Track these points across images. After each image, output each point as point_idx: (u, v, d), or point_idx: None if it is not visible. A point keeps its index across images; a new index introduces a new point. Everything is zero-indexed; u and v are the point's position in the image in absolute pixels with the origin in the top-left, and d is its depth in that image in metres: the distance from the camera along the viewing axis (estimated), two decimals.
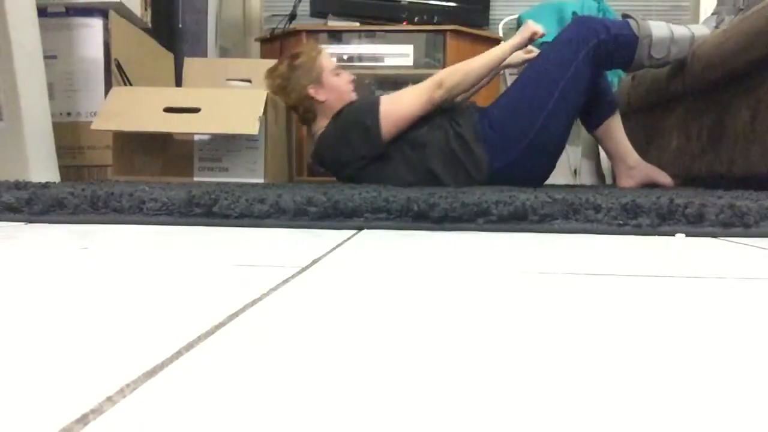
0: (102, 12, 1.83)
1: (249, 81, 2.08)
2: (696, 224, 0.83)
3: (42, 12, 1.66)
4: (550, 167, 1.63)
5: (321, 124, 1.65)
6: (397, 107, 1.55)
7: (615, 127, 1.69)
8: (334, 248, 0.64)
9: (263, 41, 2.73)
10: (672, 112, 1.94)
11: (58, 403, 0.21)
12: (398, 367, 0.26)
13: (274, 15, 3.02)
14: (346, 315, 0.35)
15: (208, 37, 2.84)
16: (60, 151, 1.62)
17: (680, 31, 1.60)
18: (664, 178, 1.69)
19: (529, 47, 1.66)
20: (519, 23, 2.71)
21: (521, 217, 0.85)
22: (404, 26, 2.59)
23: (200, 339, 0.30)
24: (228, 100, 1.69)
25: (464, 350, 0.29)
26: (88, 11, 1.82)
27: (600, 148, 2.60)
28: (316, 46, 1.72)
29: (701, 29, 1.63)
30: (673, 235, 0.80)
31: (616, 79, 2.56)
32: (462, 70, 1.55)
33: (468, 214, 0.85)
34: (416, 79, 2.59)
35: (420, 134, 1.58)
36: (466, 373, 0.25)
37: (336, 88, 1.65)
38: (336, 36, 2.61)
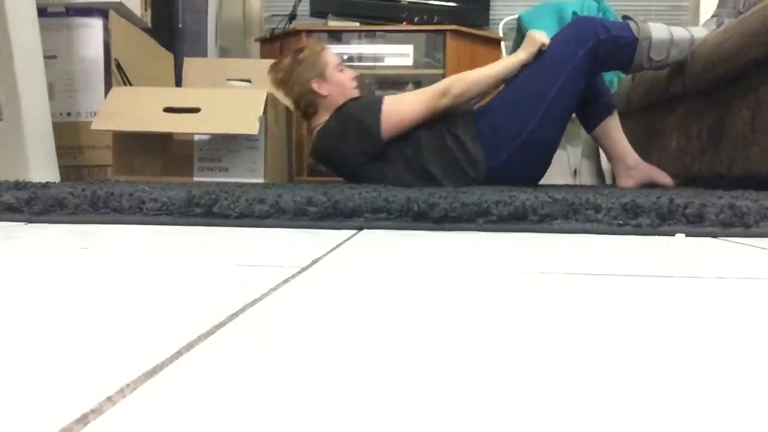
0: (102, 12, 1.83)
1: (249, 81, 2.08)
2: (696, 224, 0.83)
3: (42, 12, 1.66)
4: (545, 165, 1.64)
5: (322, 118, 1.65)
6: (400, 109, 1.55)
7: (613, 127, 1.69)
8: (334, 248, 0.64)
9: (263, 41, 2.73)
10: (672, 112, 1.94)
11: (58, 403, 0.21)
12: (398, 368, 0.26)
13: (274, 15, 3.02)
14: (346, 315, 0.35)
15: (208, 37, 2.84)
16: (60, 151, 1.62)
17: (680, 33, 1.60)
18: (664, 178, 1.69)
19: None
20: (519, 23, 2.71)
21: (521, 217, 0.85)
22: (404, 26, 2.59)
23: (200, 339, 0.30)
24: (228, 100, 1.69)
25: (464, 351, 0.29)
26: (88, 11, 1.82)
27: (599, 148, 2.60)
28: (321, 43, 1.73)
29: (700, 32, 1.63)
30: (673, 235, 0.80)
31: (615, 79, 2.56)
32: (469, 79, 1.55)
33: (468, 214, 0.85)
34: (416, 79, 2.60)
35: (417, 135, 1.58)
36: (466, 374, 0.25)
37: (339, 84, 1.66)
38: (336, 36, 2.61)
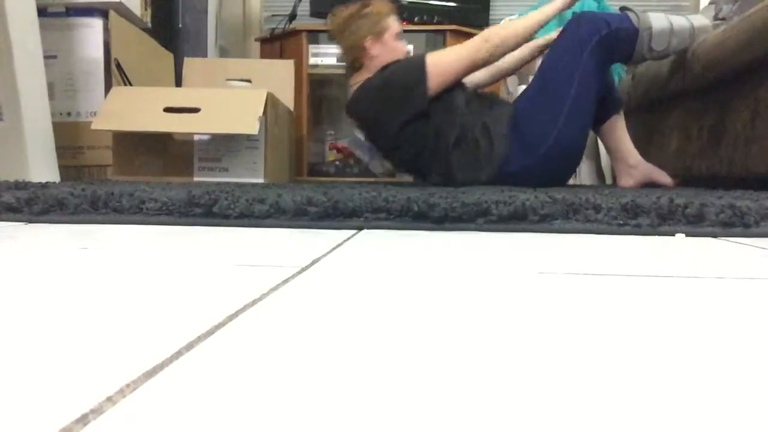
0: (102, 12, 1.83)
1: (249, 81, 2.08)
2: (696, 224, 0.83)
3: (42, 12, 1.66)
4: (570, 172, 1.64)
5: (363, 76, 1.66)
6: (442, 61, 1.55)
7: (618, 125, 1.69)
8: (334, 248, 0.64)
9: (263, 41, 2.73)
10: (672, 112, 1.94)
11: (58, 403, 0.21)
12: (398, 368, 0.26)
13: (274, 15, 3.02)
14: (346, 315, 0.35)
15: (208, 37, 2.84)
16: (60, 151, 1.62)
17: (679, 22, 1.59)
18: (664, 178, 1.69)
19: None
20: None
21: (521, 217, 0.85)
22: (404, 26, 2.59)
23: (200, 339, 0.30)
24: (228, 100, 1.69)
25: (465, 351, 0.29)
26: (88, 11, 1.82)
27: (600, 147, 2.60)
28: (390, 4, 1.71)
29: (700, 20, 1.62)
30: (673, 235, 0.80)
31: (616, 78, 2.56)
32: (509, 27, 1.55)
33: (468, 214, 0.85)
34: None
35: (455, 114, 1.57)
36: (466, 374, 0.25)
37: (392, 50, 1.66)
38: None
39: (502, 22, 2.92)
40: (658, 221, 0.84)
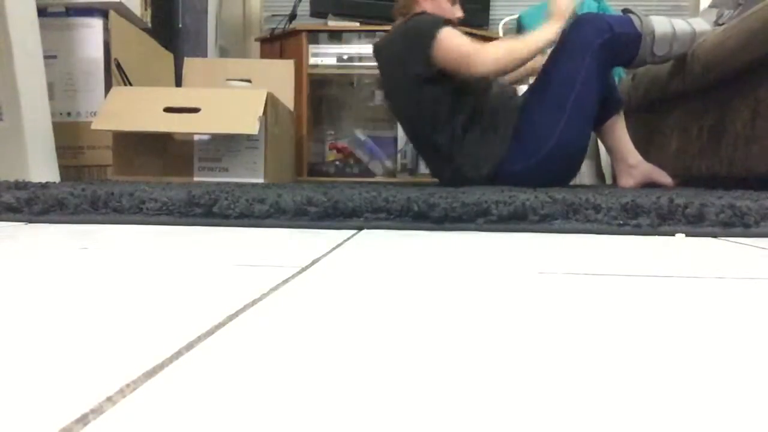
0: (102, 12, 1.83)
1: (249, 81, 2.08)
2: (696, 224, 0.83)
3: (42, 12, 1.66)
4: (572, 174, 1.64)
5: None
6: (455, 40, 1.51)
7: (618, 125, 1.69)
8: (334, 248, 0.64)
9: (263, 41, 2.73)
10: (672, 112, 1.94)
11: (58, 403, 0.21)
12: (398, 368, 0.26)
13: (274, 15, 3.02)
14: (346, 315, 0.35)
15: (208, 37, 2.84)
16: (60, 151, 1.62)
17: (681, 26, 1.58)
18: (664, 178, 1.69)
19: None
20: (519, 23, 2.71)
21: (521, 217, 0.85)
22: None
23: (200, 339, 0.30)
24: (228, 100, 1.69)
25: (465, 351, 0.29)
26: (88, 11, 1.82)
27: (600, 147, 2.60)
28: None
29: (702, 24, 1.62)
30: (673, 235, 0.80)
31: (616, 78, 2.56)
32: (515, 53, 1.48)
33: (468, 214, 0.85)
34: None
35: (475, 86, 1.57)
36: (467, 374, 0.25)
37: (443, 11, 1.65)
38: (336, 36, 2.61)
39: (501, 24, 2.91)
40: (658, 221, 0.84)
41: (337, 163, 2.69)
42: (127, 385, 0.23)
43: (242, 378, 0.24)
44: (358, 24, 2.58)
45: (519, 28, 2.72)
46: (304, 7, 2.67)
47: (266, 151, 1.74)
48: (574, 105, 1.51)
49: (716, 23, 1.66)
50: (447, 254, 0.60)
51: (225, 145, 1.73)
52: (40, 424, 0.20)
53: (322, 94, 2.89)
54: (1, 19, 1.41)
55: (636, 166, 1.68)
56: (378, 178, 2.58)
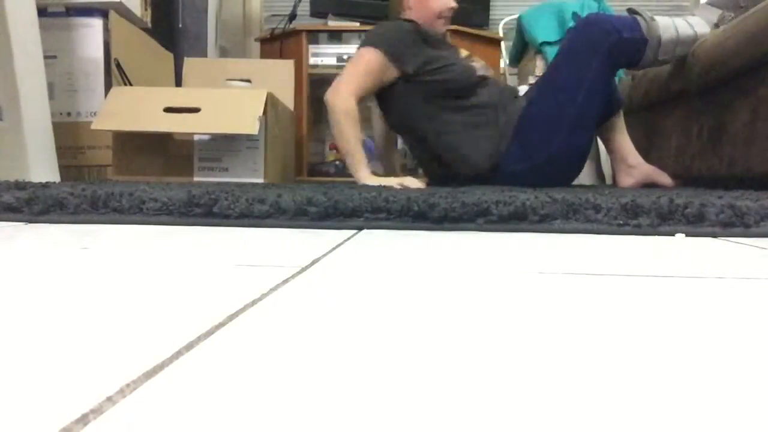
0: (102, 12, 1.83)
1: (249, 81, 2.08)
2: (696, 224, 0.83)
3: (42, 12, 1.66)
4: (574, 176, 1.64)
5: None
6: (351, 66, 1.54)
7: (618, 125, 1.69)
8: (334, 248, 0.64)
9: (263, 41, 2.73)
10: (672, 112, 1.94)
11: (58, 403, 0.21)
12: (398, 368, 0.26)
13: (274, 15, 3.02)
14: (346, 315, 0.35)
15: (208, 37, 2.84)
16: (60, 151, 1.62)
17: (684, 30, 1.57)
18: (664, 178, 1.69)
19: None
20: (519, 23, 2.71)
21: (521, 217, 0.85)
22: None
23: (200, 339, 0.30)
24: (228, 100, 1.69)
25: (465, 351, 0.29)
26: (88, 11, 1.82)
27: (600, 147, 2.60)
28: None
29: (703, 27, 1.61)
30: (673, 235, 0.80)
31: (616, 78, 2.56)
32: (338, 129, 1.48)
33: (468, 214, 0.85)
34: None
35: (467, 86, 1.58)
36: (466, 375, 0.25)
37: (427, 6, 1.65)
38: (336, 36, 2.61)
39: (501, 24, 2.91)
40: (658, 221, 0.84)
41: (337, 163, 2.69)
42: (127, 385, 0.23)
43: (242, 378, 0.24)
44: (358, 24, 2.58)
45: (519, 28, 2.72)
46: (304, 7, 2.67)
47: (266, 151, 1.73)
48: (580, 109, 1.50)
49: (717, 25, 1.65)
50: (447, 254, 0.60)
51: (225, 145, 1.73)
52: (40, 424, 0.20)
53: (322, 94, 2.89)
54: (1, 19, 1.41)
55: (636, 166, 1.68)
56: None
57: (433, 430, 0.20)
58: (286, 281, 0.45)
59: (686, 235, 0.80)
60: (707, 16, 1.63)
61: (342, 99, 1.47)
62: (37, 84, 1.52)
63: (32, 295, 0.40)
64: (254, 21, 3.17)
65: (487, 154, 1.57)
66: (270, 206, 0.87)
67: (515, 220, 0.85)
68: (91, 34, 1.82)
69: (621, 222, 0.84)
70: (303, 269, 0.50)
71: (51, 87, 1.65)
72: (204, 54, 2.80)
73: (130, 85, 1.89)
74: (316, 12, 2.66)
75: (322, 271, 0.50)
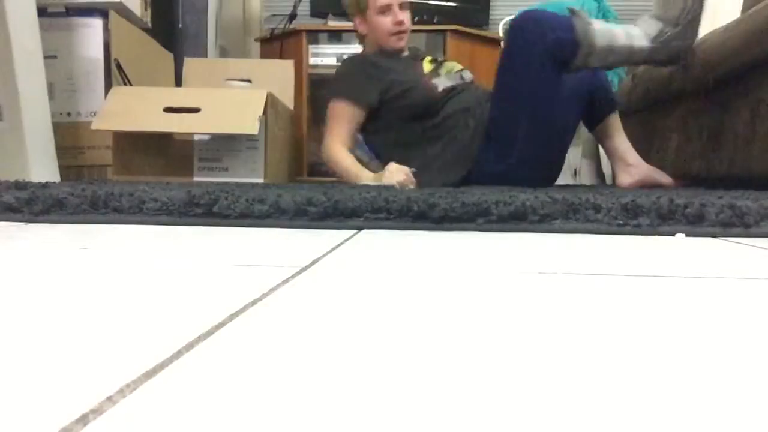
0: (102, 12, 1.82)
1: (249, 81, 2.08)
2: (696, 224, 0.83)
3: (42, 12, 1.66)
4: (553, 175, 1.64)
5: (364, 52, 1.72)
6: (330, 120, 1.62)
7: (614, 125, 1.69)
8: (334, 248, 0.64)
9: (263, 41, 2.73)
10: (672, 112, 1.94)
11: (58, 403, 0.21)
12: (398, 368, 0.26)
13: (274, 15, 3.02)
14: (347, 315, 0.35)
15: (208, 37, 2.84)
16: (60, 151, 1.62)
17: (621, 41, 1.47)
18: (664, 178, 1.69)
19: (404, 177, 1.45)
20: None
21: (521, 217, 0.85)
22: None
23: (200, 339, 0.30)
24: (228, 100, 1.69)
25: (465, 351, 0.29)
26: (88, 11, 1.82)
27: (599, 148, 2.60)
28: None
29: (640, 41, 1.50)
30: (673, 235, 0.80)
31: (616, 78, 2.56)
32: (333, 169, 1.58)
33: (468, 214, 0.85)
34: None
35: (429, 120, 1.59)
36: (466, 375, 0.25)
37: (375, 28, 1.65)
38: (336, 36, 2.61)
39: (501, 24, 2.92)
40: (658, 221, 0.84)
41: None
42: (127, 385, 0.23)
43: (242, 378, 0.24)
44: None
45: None
46: (304, 7, 2.67)
47: (266, 151, 1.73)
48: (532, 116, 1.48)
49: (655, 39, 1.52)
50: (447, 254, 0.60)
51: (225, 145, 1.73)
52: (40, 424, 0.20)
53: (322, 94, 2.89)
54: (1, 19, 1.41)
55: (635, 165, 1.68)
56: None
57: (432, 429, 0.20)
58: (286, 281, 0.45)
59: (686, 235, 0.80)
60: (646, 29, 1.53)
61: (330, 150, 1.60)
62: (37, 84, 1.52)
63: (32, 295, 0.40)
64: (254, 21, 3.17)
65: (459, 165, 1.58)
66: (270, 206, 0.87)
67: (515, 220, 0.85)
68: (91, 34, 1.82)
69: (621, 222, 0.84)
70: (303, 269, 0.50)
71: (51, 87, 1.65)
72: (204, 54, 2.80)
73: (130, 85, 1.89)
74: (316, 12, 2.66)
75: (322, 271, 0.50)
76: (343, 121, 1.61)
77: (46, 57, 1.57)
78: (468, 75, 1.75)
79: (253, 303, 0.38)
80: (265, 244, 0.67)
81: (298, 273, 0.49)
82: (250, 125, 1.62)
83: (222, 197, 0.90)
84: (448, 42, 2.53)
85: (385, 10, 1.65)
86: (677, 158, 1.88)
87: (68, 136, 1.78)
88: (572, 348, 0.29)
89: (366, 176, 1.50)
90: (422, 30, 2.58)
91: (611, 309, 0.38)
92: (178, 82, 2.31)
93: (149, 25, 2.11)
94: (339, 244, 0.67)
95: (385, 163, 1.50)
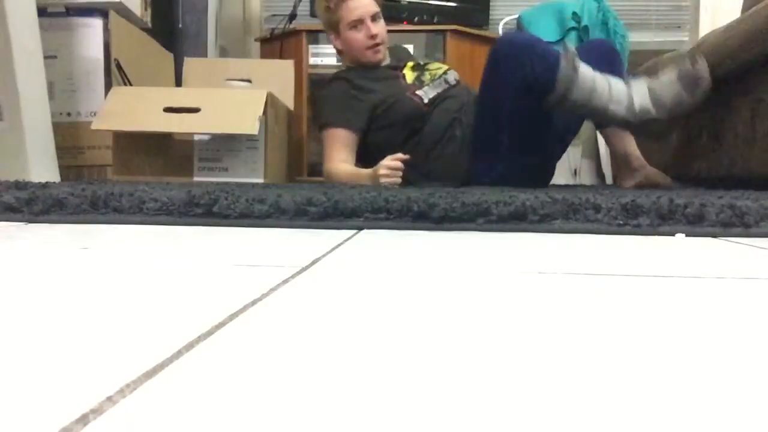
0: (102, 12, 1.82)
1: (249, 81, 2.08)
2: (696, 224, 0.83)
3: (42, 12, 1.66)
4: (545, 180, 1.63)
5: (343, 66, 1.72)
6: (326, 148, 1.63)
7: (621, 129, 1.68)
8: (334, 248, 0.64)
9: (263, 41, 2.73)
10: None
11: (58, 403, 0.21)
12: (398, 367, 0.26)
13: (274, 15, 3.02)
14: (346, 315, 0.35)
15: (208, 37, 2.84)
16: (60, 151, 1.61)
17: (598, 99, 1.38)
18: (666, 181, 1.68)
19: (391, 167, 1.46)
20: (519, 23, 2.71)
21: (521, 217, 0.85)
22: (404, 26, 2.59)
23: (200, 339, 0.30)
24: (228, 100, 1.69)
25: (465, 351, 0.29)
26: (88, 11, 1.82)
27: (600, 147, 2.60)
28: None
29: (618, 105, 1.39)
30: (673, 235, 0.80)
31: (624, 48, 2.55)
32: (334, 177, 1.59)
33: (468, 214, 0.85)
34: None
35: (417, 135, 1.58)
36: (466, 375, 0.25)
37: (349, 43, 1.63)
38: None
39: (501, 24, 2.91)
40: (658, 221, 0.84)
41: None
42: (127, 385, 0.23)
43: (242, 378, 0.24)
44: None
45: (519, 28, 2.72)
46: (304, 7, 2.67)
47: (266, 151, 1.73)
48: (511, 134, 1.47)
49: (636, 115, 1.40)
50: (447, 254, 0.60)
51: (225, 145, 1.73)
52: (40, 424, 0.20)
53: (322, 94, 2.89)
54: (1, 19, 1.41)
55: (638, 169, 1.67)
56: None
57: (433, 428, 0.20)
58: (286, 281, 0.45)
59: (686, 235, 0.80)
60: (635, 95, 1.40)
61: (329, 171, 1.61)
62: (37, 84, 1.52)
63: (32, 295, 0.40)
64: (254, 21, 3.17)
65: (450, 178, 1.57)
66: (270, 206, 0.87)
67: (515, 220, 0.85)
68: (91, 34, 1.82)
69: (621, 222, 0.84)
70: (303, 269, 0.50)
71: (51, 87, 1.65)
72: (204, 54, 2.80)
73: (130, 85, 1.89)
74: (317, 12, 2.65)
75: (322, 271, 0.50)
76: (339, 145, 1.61)
77: (46, 57, 1.57)
78: (452, 77, 1.71)
79: (253, 303, 0.38)
80: (265, 244, 0.67)
81: (298, 273, 0.49)
82: (250, 125, 1.62)
83: (222, 197, 0.90)
84: (448, 42, 2.53)
85: (357, 24, 1.62)
86: (677, 158, 1.88)
87: (68, 136, 1.78)
88: (572, 348, 0.29)
89: (364, 174, 1.51)
90: (422, 30, 2.58)
91: (611, 309, 0.38)
92: (178, 82, 2.31)
93: (149, 25, 2.11)
94: (339, 244, 0.67)
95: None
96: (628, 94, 1.40)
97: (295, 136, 2.27)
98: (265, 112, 1.68)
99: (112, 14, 1.84)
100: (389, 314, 0.36)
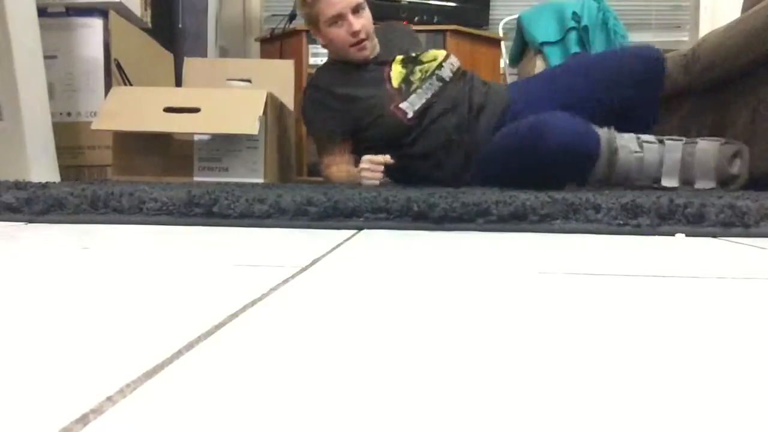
0: (102, 12, 1.82)
1: (249, 81, 2.08)
2: (696, 224, 0.83)
3: (42, 12, 1.66)
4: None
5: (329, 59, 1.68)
6: (319, 151, 1.63)
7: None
8: (334, 248, 0.64)
9: (263, 41, 2.73)
10: (673, 111, 1.94)
11: (58, 403, 0.21)
12: (398, 367, 0.26)
13: (274, 15, 3.02)
14: (346, 315, 0.35)
15: (208, 37, 2.84)
16: (60, 151, 1.61)
17: (649, 168, 1.34)
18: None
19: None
20: (519, 23, 2.71)
21: (521, 217, 0.85)
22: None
23: (200, 339, 0.30)
24: (228, 100, 1.68)
25: (465, 351, 0.29)
26: (88, 11, 1.82)
27: None
28: None
29: (670, 178, 1.36)
30: (673, 235, 0.80)
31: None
32: (333, 180, 1.59)
33: (468, 214, 0.85)
34: None
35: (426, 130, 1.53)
36: (466, 375, 0.25)
37: (331, 40, 1.55)
38: None
39: (501, 24, 2.91)
40: (658, 221, 0.84)
41: None
42: (127, 385, 0.23)
43: (242, 378, 0.24)
44: None
45: (519, 28, 2.72)
46: None
47: (266, 151, 1.73)
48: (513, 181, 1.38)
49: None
50: (447, 254, 0.60)
51: (225, 145, 1.73)
52: (40, 424, 0.20)
53: None
54: (1, 19, 1.41)
55: None
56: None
57: (433, 429, 0.20)
58: (286, 281, 0.45)
59: (686, 235, 0.80)
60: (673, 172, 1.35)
61: (328, 172, 1.62)
62: (37, 84, 1.52)
63: (32, 295, 0.40)
64: (254, 21, 3.17)
65: (451, 176, 1.54)
66: (270, 206, 0.87)
67: (515, 220, 0.85)
68: (91, 34, 1.82)
69: (621, 222, 0.84)
70: (303, 269, 0.50)
71: (51, 87, 1.65)
72: (204, 54, 2.80)
73: (130, 85, 1.89)
74: None
75: (322, 271, 0.50)
76: (330, 148, 1.60)
77: (46, 57, 1.57)
78: (448, 69, 1.59)
79: (253, 303, 0.38)
80: (265, 244, 0.67)
81: (298, 273, 0.49)
82: (250, 125, 1.62)
83: (222, 197, 0.90)
84: (448, 42, 2.53)
85: (337, 19, 1.49)
86: None
87: (68, 136, 1.78)
88: (573, 347, 0.29)
89: (354, 172, 1.50)
90: (422, 30, 2.57)
91: (611, 309, 0.38)
92: (178, 82, 2.31)
93: (149, 25, 2.11)
94: (339, 244, 0.67)
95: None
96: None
97: (295, 136, 2.27)
98: (265, 112, 1.67)
99: (112, 14, 1.84)
100: (389, 314, 0.36)
